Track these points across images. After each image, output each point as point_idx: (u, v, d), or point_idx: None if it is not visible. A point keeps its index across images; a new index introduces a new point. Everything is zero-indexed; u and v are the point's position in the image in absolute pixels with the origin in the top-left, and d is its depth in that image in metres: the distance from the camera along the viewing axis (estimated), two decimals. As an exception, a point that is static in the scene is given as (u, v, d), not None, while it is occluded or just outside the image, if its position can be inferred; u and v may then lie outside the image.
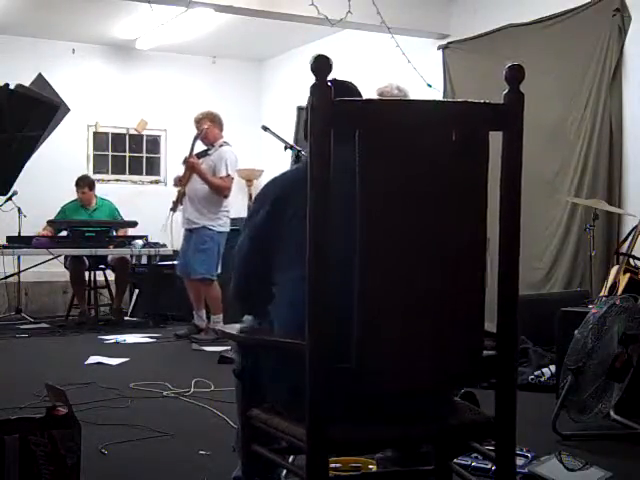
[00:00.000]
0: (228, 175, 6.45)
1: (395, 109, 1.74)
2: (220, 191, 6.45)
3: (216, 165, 6.46)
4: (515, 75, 1.72)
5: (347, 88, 2.14)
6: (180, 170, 6.78)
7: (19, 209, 7.67)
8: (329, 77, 2.12)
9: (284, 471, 2.53)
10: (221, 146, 6.57)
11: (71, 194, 8.18)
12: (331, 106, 1.63)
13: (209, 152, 6.57)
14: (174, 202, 6.74)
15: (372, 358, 1.67)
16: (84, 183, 8.07)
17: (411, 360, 1.71)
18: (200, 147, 6.71)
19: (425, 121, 1.72)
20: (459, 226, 1.72)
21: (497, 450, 1.81)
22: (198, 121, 6.59)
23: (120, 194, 8.94)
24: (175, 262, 8.11)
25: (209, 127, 6.51)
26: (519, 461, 2.84)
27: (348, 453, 1.85)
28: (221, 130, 6.64)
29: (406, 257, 1.69)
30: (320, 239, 1.62)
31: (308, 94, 1.64)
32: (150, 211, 8.79)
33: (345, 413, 1.72)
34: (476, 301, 1.74)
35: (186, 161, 6.52)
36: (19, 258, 7.71)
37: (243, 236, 2.12)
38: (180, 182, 6.65)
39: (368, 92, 2.26)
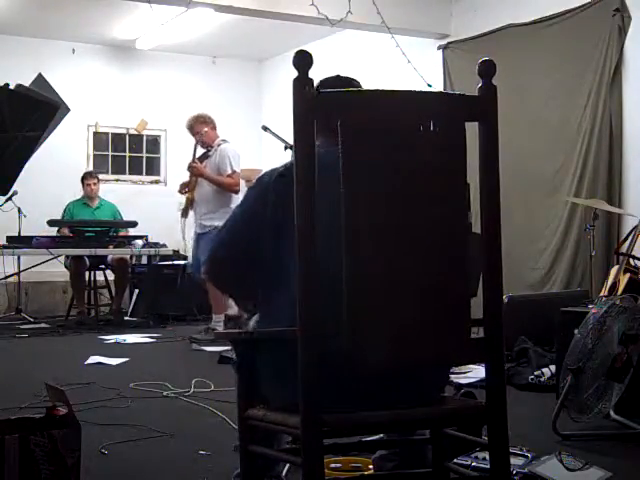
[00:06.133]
0: (234, 171, 6.48)
1: (375, 99, 1.79)
2: (230, 188, 6.47)
3: (219, 164, 6.47)
4: (487, 69, 1.82)
5: (350, 84, 2.15)
6: (181, 173, 6.80)
7: (19, 209, 7.68)
8: (333, 73, 2.12)
9: (284, 470, 2.53)
10: (219, 145, 6.57)
11: (72, 194, 8.19)
12: (312, 98, 1.69)
13: (209, 153, 6.58)
14: (184, 209, 6.79)
15: (362, 339, 1.71)
16: (92, 176, 8.17)
17: (400, 340, 1.75)
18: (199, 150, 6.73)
19: (404, 111, 1.78)
20: (441, 211, 1.78)
21: (490, 435, 1.82)
22: (191, 127, 6.59)
23: (120, 194, 8.95)
24: (176, 262, 8.16)
25: (206, 131, 6.53)
26: (519, 461, 2.85)
27: (342, 435, 1.87)
28: (215, 129, 6.64)
29: (391, 242, 1.74)
30: (307, 227, 1.67)
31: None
32: (150, 211, 8.81)
33: (338, 397, 1.75)
34: (461, 283, 1.79)
35: (190, 167, 6.55)
36: (19, 258, 7.72)
37: (235, 218, 2.16)
38: (186, 189, 6.67)
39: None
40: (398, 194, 1.75)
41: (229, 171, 6.44)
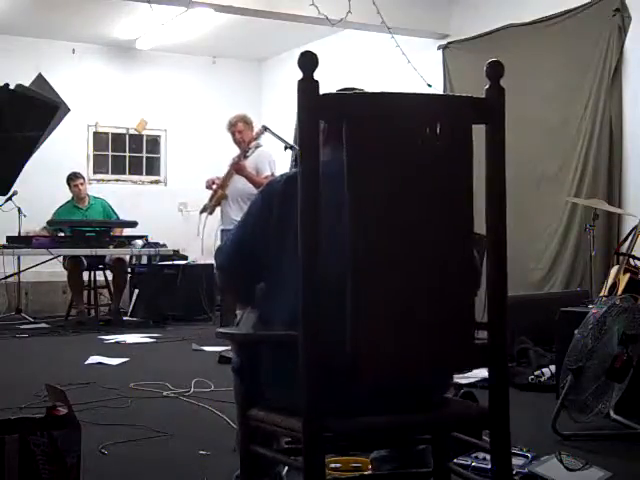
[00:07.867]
0: (272, 174, 6.55)
1: (380, 102, 1.77)
2: None
3: (258, 165, 6.56)
4: (495, 70, 1.80)
5: None
6: (181, 173, 6.82)
7: (19, 209, 7.68)
8: (334, 73, 2.06)
9: (284, 470, 2.53)
10: (257, 147, 6.70)
11: (70, 195, 8.18)
12: (317, 100, 1.67)
13: (247, 154, 6.67)
14: (212, 206, 6.82)
15: (366, 346, 1.70)
16: (77, 176, 8.08)
17: (403, 346, 1.74)
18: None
19: (410, 114, 1.76)
20: (446, 216, 1.76)
21: (492, 441, 1.81)
22: (234, 124, 6.70)
23: (120, 194, 8.95)
24: (176, 262, 8.16)
25: (245, 131, 6.64)
26: (519, 461, 2.84)
27: (344, 444, 1.86)
28: (252, 132, 6.74)
29: (397, 251, 1.72)
30: (311, 235, 1.65)
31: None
32: (150, 211, 8.81)
33: (340, 403, 1.74)
34: (465, 290, 1.78)
35: (235, 163, 6.59)
36: (19, 258, 7.71)
37: (243, 222, 2.23)
38: (219, 185, 6.73)
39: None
40: (402, 198, 1.72)
41: (268, 172, 6.51)
